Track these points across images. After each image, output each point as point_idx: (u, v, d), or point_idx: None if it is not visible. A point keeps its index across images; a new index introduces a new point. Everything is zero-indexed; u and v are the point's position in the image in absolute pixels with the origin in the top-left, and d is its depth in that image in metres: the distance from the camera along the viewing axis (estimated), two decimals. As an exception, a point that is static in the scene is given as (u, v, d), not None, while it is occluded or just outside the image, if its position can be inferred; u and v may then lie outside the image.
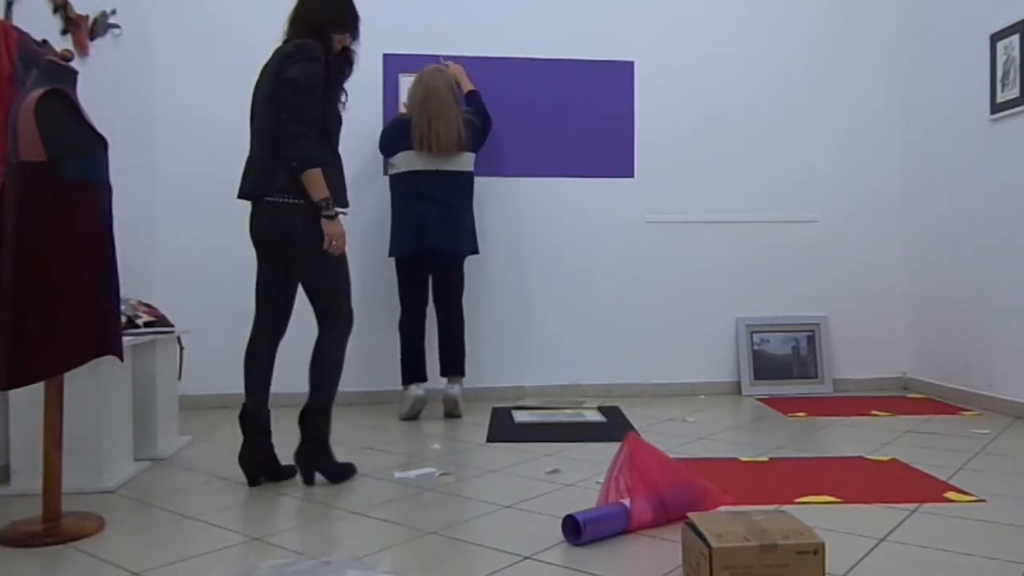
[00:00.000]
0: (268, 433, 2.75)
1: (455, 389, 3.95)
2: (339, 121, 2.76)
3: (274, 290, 2.76)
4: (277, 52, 2.68)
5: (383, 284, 4.20)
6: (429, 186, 3.89)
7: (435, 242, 3.88)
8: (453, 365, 3.99)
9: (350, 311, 2.72)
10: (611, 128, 4.56)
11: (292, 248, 2.64)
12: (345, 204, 2.70)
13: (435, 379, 4.07)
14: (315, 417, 2.65)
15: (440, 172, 3.89)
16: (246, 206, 4.33)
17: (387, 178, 4.13)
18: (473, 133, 3.99)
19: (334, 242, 2.57)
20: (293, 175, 2.54)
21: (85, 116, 2.25)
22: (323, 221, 2.55)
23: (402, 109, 4.15)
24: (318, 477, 2.69)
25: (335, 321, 2.68)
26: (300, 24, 2.71)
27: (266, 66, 2.71)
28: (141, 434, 3.06)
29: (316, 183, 2.53)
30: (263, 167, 2.63)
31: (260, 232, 2.69)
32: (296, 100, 2.52)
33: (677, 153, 4.60)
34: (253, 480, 2.69)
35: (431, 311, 4.06)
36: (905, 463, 2.90)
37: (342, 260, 2.65)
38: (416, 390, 3.89)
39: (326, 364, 2.66)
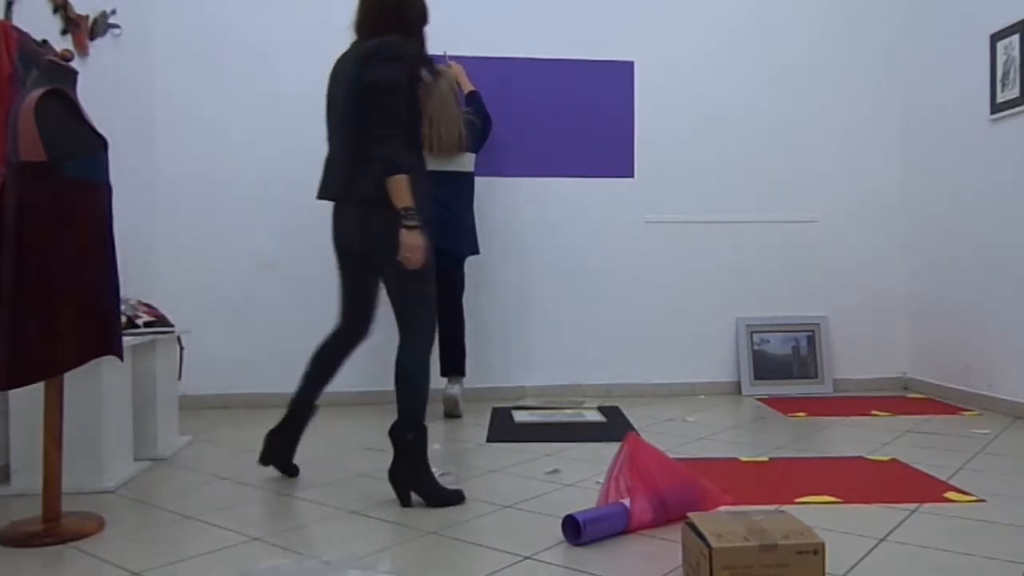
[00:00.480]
0: (301, 429, 2.77)
1: (455, 389, 3.95)
2: (421, 121, 2.66)
3: (352, 294, 2.74)
4: (357, 48, 2.56)
5: (383, 284, 4.20)
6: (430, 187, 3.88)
7: (436, 242, 3.85)
8: (453, 365, 3.99)
9: (427, 319, 2.58)
10: (611, 128, 4.56)
11: (374, 253, 2.54)
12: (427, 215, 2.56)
13: (435, 379, 4.06)
14: (400, 430, 2.51)
15: (441, 173, 3.89)
16: (245, 207, 4.32)
17: (387, 178, 4.13)
18: (474, 134, 3.99)
19: (408, 254, 2.41)
20: (377, 180, 2.42)
21: (85, 116, 2.25)
22: (402, 231, 2.39)
23: (402, 109, 4.15)
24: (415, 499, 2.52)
25: (407, 329, 2.56)
26: (389, 20, 2.56)
27: (341, 63, 2.60)
28: (141, 434, 3.06)
29: (401, 190, 2.39)
30: (347, 171, 2.53)
31: (342, 236, 2.63)
32: (382, 102, 2.41)
33: (677, 153, 4.60)
34: (264, 459, 2.73)
35: (431, 311, 4.06)
36: (905, 463, 2.90)
37: (424, 266, 2.51)
38: (416, 390, 3.89)
39: (400, 374, 2.55)
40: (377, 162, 2.41)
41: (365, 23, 2.59)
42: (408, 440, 2.48)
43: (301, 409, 2.76)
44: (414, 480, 2.48)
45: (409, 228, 2.40)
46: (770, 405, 4.20)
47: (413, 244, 2.41)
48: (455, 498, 2.48)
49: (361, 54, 2.50)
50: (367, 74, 2.43)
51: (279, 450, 2.75)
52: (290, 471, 2.78)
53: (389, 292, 2.60)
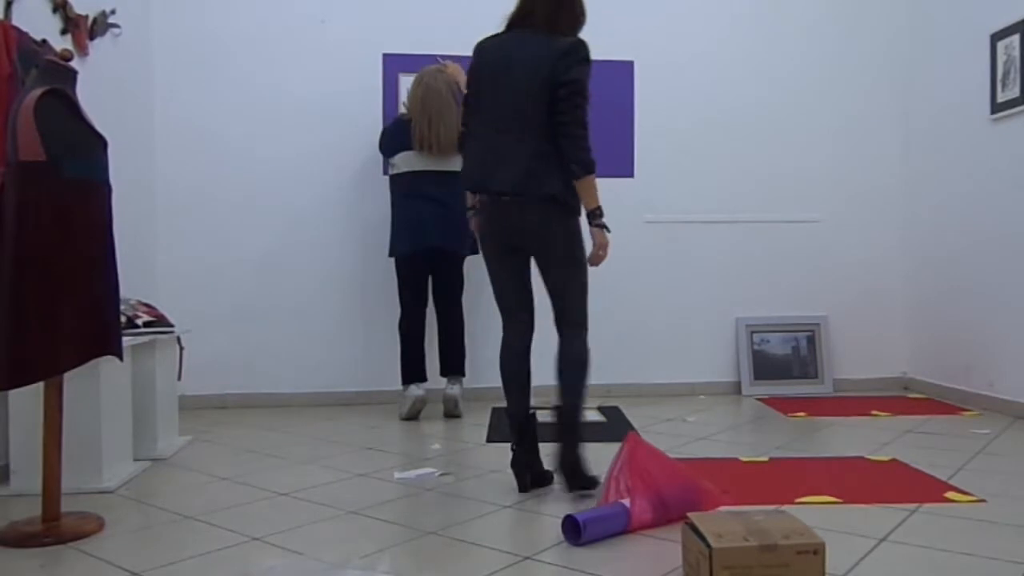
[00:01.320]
0: (534, 440, 2.67)
1: (455, 389, 3.95)
2: None
3: (522, 287, 2.77)
4: (541, 41, 2.51)
5: (383, 284, 4.20)
6: (429, 186, 3.89)
7: (435, 242, 3.88)
8: (453, 365, 3.99)
9: (586, 311, 2.70)
10: (611, 128, 4.55)
11: (548, 249, 2.58)
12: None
13: (435, 379, 4.07)
14: (575, 416, 2.61)
15: (440, 172, 3.89)
16: (245, 207, 4.30)
17: (387, 178, 4.13)
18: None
19: (601, 252, 2.56)
20: (564, 178, 2.46)
21: (84, 116, 2.25)
22: (594, 230, 2.52)
23: (402, 109, 4.15)
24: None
25: (575, 322, 2.67)
26: (567, 16, 2.60)
27: (506, 51, 2.56)
28: (141, 434, 3.05)
29: (592, 190, 2.48)
30: (529, 167, 2.47)
31: (511, 231, 2.58)
32: (579, 103, 2.44)
33: (677, 153, 4.59)
34: (523, 485, 2.58)
35: (431, 311, 4.06)
36: (905, 463, 2.89)
37: (584, 262, 2.60)
38: (416, 390, 3.89)
39: (573, 363, 2.66)
40: (575, 163, 2.45)
41: (539, 16, 2.57)
42: (579, 425, 2.56)
43: (523, 422, 2.66)
44: (574, 460, 2.52)
45: (602, 227, 2.53)
46: (770, 405, 4.20)
47: (606, 242, 2.56)
48: (592, 483, 2.51)
49: (554, 50, 2.47)
50: (565, 73, 2.43)
51: (524, 468, 2.60)
52: (547, 479, 2.65)
53: (554, 286, 2.66)
